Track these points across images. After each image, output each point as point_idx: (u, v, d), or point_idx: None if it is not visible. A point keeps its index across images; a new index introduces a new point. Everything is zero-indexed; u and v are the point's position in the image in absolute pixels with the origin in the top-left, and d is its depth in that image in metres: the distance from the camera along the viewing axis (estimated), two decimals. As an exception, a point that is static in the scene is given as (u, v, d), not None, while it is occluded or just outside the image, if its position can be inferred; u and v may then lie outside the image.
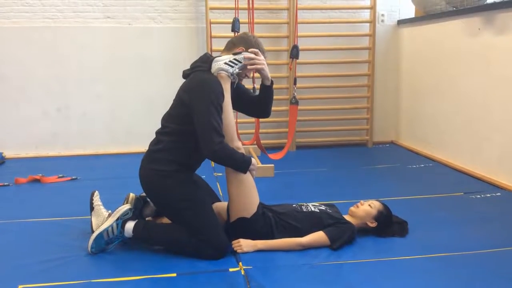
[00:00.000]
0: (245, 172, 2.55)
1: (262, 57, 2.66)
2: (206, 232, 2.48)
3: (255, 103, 2.85)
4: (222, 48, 2.75)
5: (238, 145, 2.60)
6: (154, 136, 2.68)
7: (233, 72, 2.58)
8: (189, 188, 2.59)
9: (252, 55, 2.61)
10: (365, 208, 2.74)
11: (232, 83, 2.64)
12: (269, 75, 2.75)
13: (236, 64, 2.59)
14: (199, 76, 2.57)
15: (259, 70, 2.68)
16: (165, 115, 2.69)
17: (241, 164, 2.53)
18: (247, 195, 2.57)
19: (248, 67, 2.64)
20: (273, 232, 2.60)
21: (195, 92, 2.51)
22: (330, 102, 5.29)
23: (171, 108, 2.68)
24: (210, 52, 4.62)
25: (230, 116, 2.58)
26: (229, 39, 2.78)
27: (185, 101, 2.54)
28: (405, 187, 3.77)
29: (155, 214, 2.82)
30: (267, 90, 2.80)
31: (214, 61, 2.59)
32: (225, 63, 2.57)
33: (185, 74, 2.69)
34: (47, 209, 3.27)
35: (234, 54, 2.60)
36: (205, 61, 2.64)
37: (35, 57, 4.83)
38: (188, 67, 2.69)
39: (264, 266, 2.38)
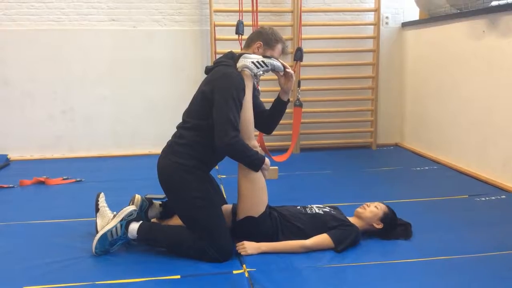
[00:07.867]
0: (256, 171, 2.53)
1: (292, 71, 2.69)
2: (214, 233, 2.48)
3: (264, 118, 2.82)
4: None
5: (254, 143, 2.58)
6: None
7: (257, 73, 2.57)
8: (207, 187, 2.58)
9: (282, 66, 2.63)
10: (372, 210, 2.73)
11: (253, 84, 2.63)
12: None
13: (263, 67, 2.57)
14: (222, 70, 2.56)
15: (287, 80, 2.70)
16: (186, 110, 2.68)
17: (253, 161, 2.51)
18: (257, 194, 2.56)
19: (283, 72, 2.66)
20: (278, 233, 2.60)
21: (217, 85, 2.50)
22: (334, 105, 5.29)
23: (191, 103, 2.66)
24: (214, 55, 4.64)
25: (249, 113, 2.56)
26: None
27: (206, 93, 2.52)
28: (409, 190, 3.76)
29: (160, 216, 2.83)
30: (282, 105, 2.80)
31: (243, 57, 2.57)
32: (253, 62, 2.55)
33: (208, 69, 2.68)
34: (51, 211, 3.28)
35: (265, 57, 2.60)
36: (230, 57, 2.64)
37: (40, 59, 4.85)
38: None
39: (268, 269, 2.38)
